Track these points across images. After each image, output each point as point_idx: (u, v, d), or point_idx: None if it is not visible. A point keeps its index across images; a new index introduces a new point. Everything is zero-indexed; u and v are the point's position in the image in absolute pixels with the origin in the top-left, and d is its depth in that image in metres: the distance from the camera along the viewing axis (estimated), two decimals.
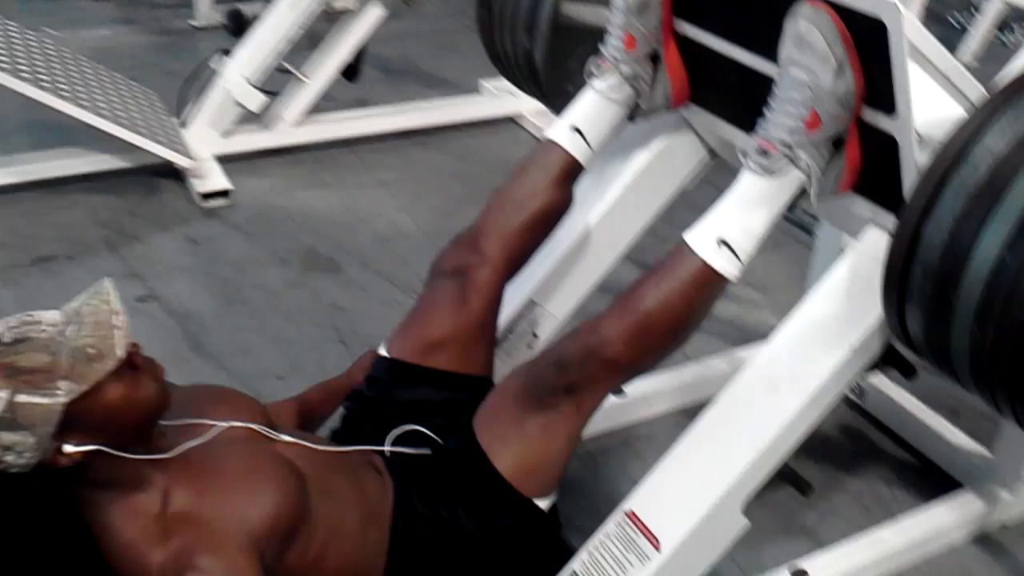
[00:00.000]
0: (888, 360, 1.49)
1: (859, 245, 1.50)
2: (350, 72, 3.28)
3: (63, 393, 1.13)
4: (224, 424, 1.33)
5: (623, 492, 1.51)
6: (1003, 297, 1.16)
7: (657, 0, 1.58)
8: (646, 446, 2.07)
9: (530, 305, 1.84)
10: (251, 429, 1.36)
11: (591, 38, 1.70)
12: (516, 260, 1.64)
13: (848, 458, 2.10)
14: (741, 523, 1.47)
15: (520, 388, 1.42)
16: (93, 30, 4.24)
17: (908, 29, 1.25)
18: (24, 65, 2.75)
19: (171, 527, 1.18)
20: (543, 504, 1.44)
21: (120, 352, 1.17)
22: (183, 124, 3.13)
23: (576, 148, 1.63)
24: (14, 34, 2.96)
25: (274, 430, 1.39)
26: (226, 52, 3.14)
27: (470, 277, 1.58)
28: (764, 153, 1.36)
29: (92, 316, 1.18)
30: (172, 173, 3.01)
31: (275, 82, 3.16)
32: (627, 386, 2.10)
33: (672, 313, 1.36)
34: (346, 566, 1.35)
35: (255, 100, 3.07)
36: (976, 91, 1.41)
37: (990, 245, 1.16)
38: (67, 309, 1.20)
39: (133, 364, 1.19)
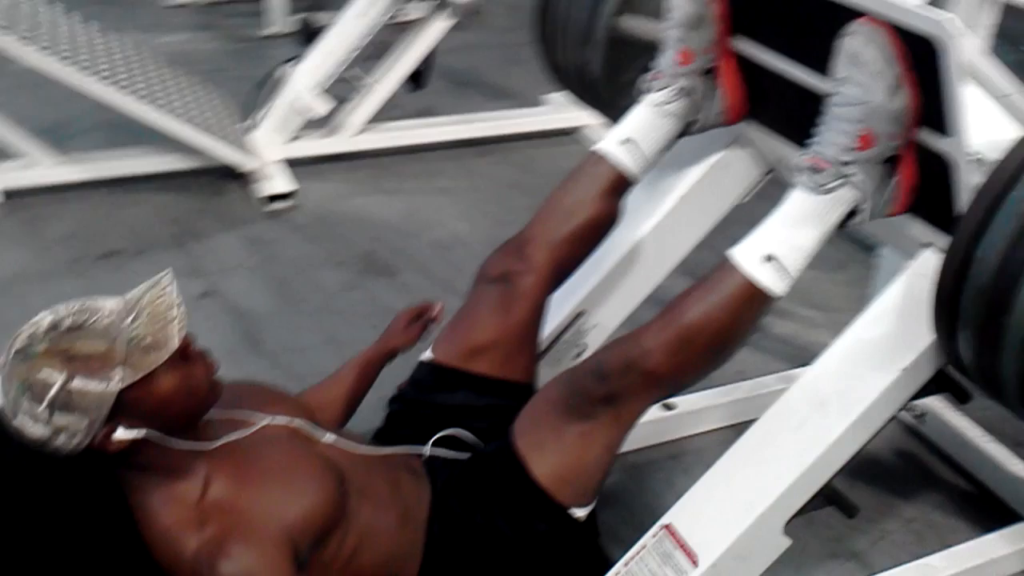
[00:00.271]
0: (941, 384, 1.46)
1: (914, 265, 1.47)
2: (417, 81, 3.33)
3: (117, 380, 1.16)
4: (268, 420, 1.35)
5: (668, 506, 1.50)
6: None
7: (712, 15, 1.58)
8: (694, 461, 2.05)
9: (580, 314, 1.84)
10: (293, 427, 1.38)
11: (647, 52, 1.70)
12: (562, 269, 1.64)
13: (903, 483, 2.05)
14: (782, 543, 1.45)
15: (559, 396, 1.42)
16: (171, 35, 4.36)
17: (963, 49, 1.23)
18: (101, 66, 2.83)
19: (208, 515, 1.21)
20: (580, 513, 1.43)
21: (175, 343, 1.20)
22: (251, 128, 3.20)
23: (625, 161, 1.63)
24: (94, 36, 3.06)
25: (317, 429, 1.41)
26: (295, 59, 3.21)
27: (514, 283, 1.59)
28: (815, 170, 1.34)
29: (150, 307, 1.21)
30: (238, 175, 3.08)
31: (341, 89, 3.22)
32: (679, 400, 2.11)
33: (715, 327, 1.35)
34: (380, 565, 1.37)
35: (320, 106, 3.12)
36: None
37: None
38: (127, 298, 1.24)
39: (187, 356, 1.23)
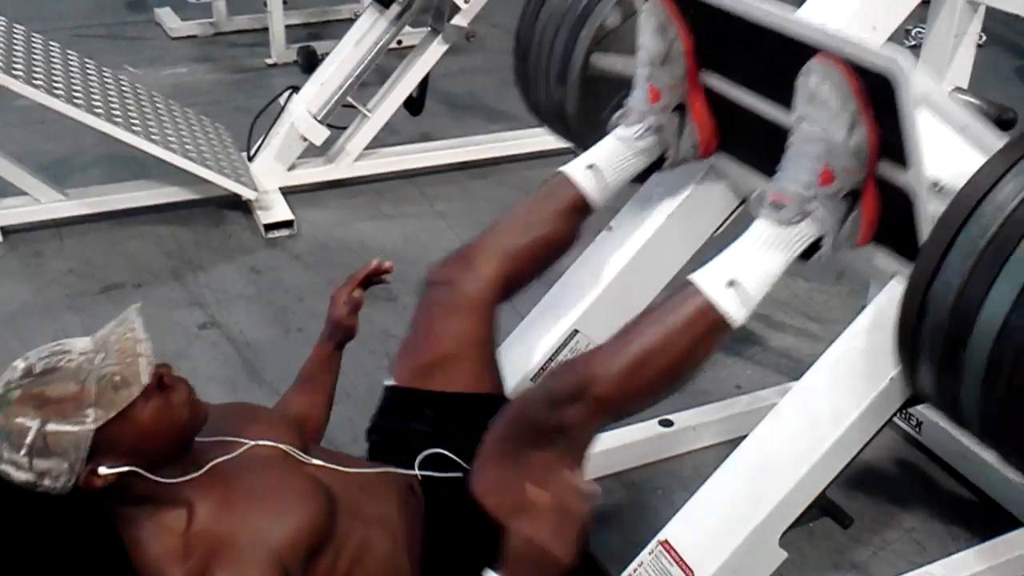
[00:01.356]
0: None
1: (893, 284, 1.47)
2: (413, 106, 3.35)
3: (91, 420, 1.16)
4: (254, 441, 1.35)
5: (666, 523, 1.49)
6: (1011, 361, 1.14)
7: (680, 51, 1.56)
8: (693, 477, 2.05)
9: (573, 334, 1.84)
10: (281, 448, 1.38)
11: (622, 89, 1.69)
12: (511, 282, 1.61)
13: (903, 493, 2.05)
14: (779, 555, 1.45)
15: (512, 428, 1.37)
16: (172, 68, 4.41)
17: (919, 83, 1.23)
18: (99, 101, 2.87)
19: (193, 544, 1.21)
20: None
21: (145, 379, 1.19)
22: (251, 158, 3.23)
23: (588, 185, 1.63)
24: (91, 72, 3.10)
25: (304, 451, 1.41)
26: (295, 89, 3.24)
27: (457, 289, 1.56)
28: (778, 206, 1.35)
29: (118, 344, 1.21)
30: (238, 205, 3.11)
31: (342, 117, 3.25)
32: (676, 417, 2.11)
33: (671, 352, 1.32)
34: None
35: (319, 134, 3.15)
36: (994, 145, 1.36)
37: (997, 305, 1.14)
38: (96, 337, 1.24)
39: (163, 386, 1.23)
